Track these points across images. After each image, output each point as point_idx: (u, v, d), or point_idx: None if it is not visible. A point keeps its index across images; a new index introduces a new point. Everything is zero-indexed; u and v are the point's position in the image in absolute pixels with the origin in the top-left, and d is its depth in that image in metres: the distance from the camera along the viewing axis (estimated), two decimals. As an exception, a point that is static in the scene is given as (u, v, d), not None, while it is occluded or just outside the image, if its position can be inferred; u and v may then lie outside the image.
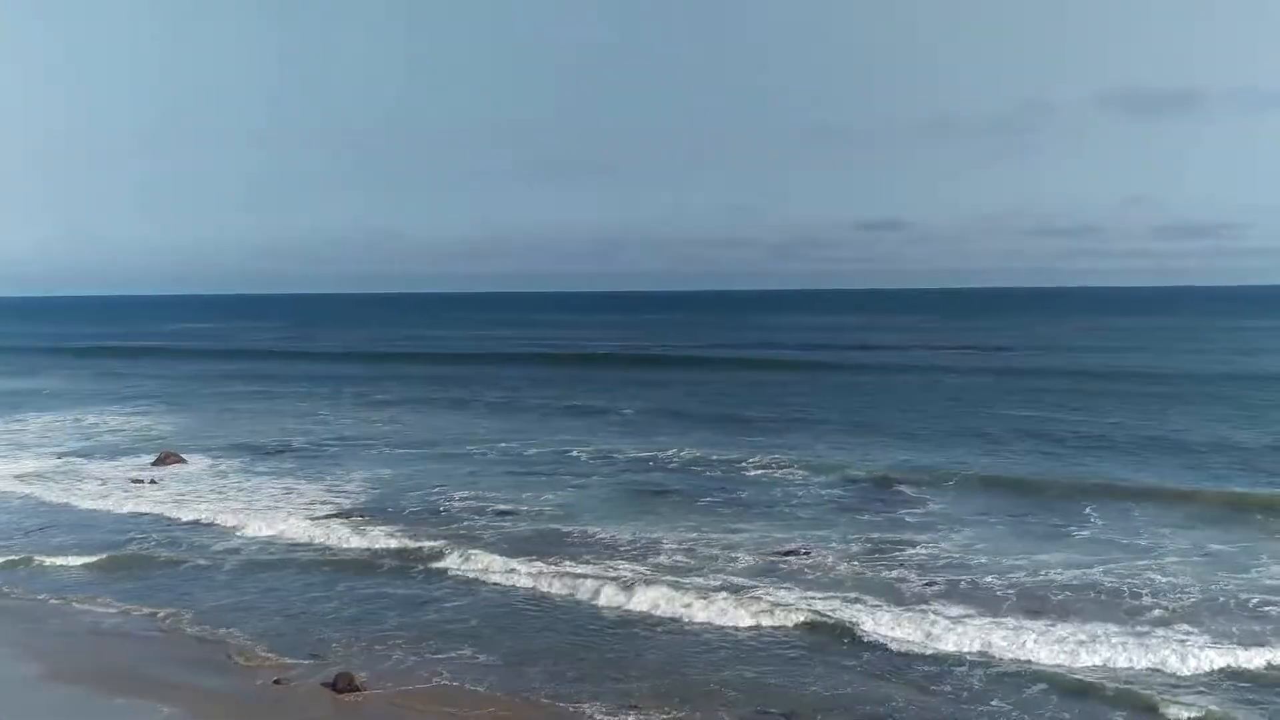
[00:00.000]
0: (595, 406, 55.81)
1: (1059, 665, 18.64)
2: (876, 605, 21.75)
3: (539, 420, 51.17)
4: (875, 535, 27.59)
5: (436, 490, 34.19)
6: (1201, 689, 17.58)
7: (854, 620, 20.83)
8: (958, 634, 19.92)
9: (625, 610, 22.11)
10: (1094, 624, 20.41)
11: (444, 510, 31.49)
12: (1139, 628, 20.22)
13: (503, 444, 43.08)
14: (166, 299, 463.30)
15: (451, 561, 25.58)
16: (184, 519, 30.96)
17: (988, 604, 21.85)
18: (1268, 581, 23.07)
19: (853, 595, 22.52)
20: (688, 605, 21.94)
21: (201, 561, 26.51)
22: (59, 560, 26.56)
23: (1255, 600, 21.75)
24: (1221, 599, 21.87)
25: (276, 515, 30.70)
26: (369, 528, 29.20)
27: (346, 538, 28.25)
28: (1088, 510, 29.98)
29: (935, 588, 22.98)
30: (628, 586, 23.02)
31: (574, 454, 40.54)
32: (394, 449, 42.62)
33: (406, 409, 56.25)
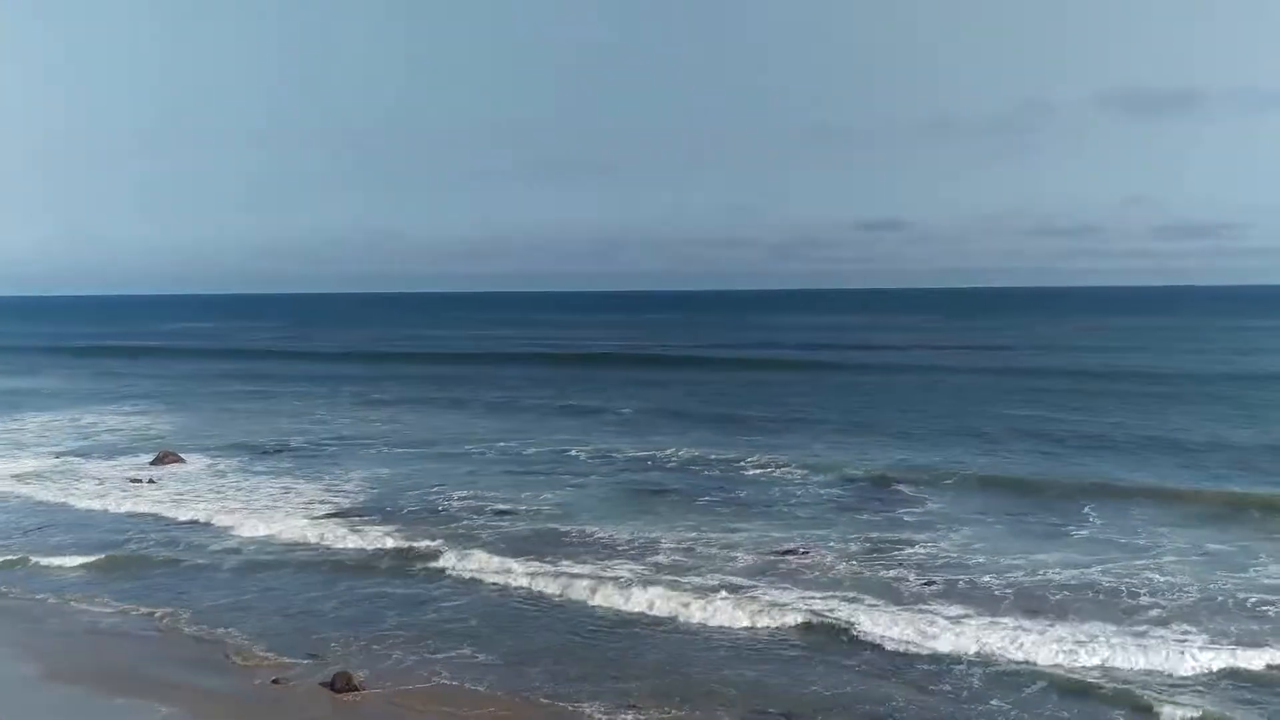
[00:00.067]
0: (594, 406, 55.80)
1: (1057, 665, 18.63)
2: (875, 605, 21.75)
3: (537, 420, 51.17)
4: (874, 535, 27.58)
5: (435, 490, 34.18)
6: (1199, 689, 17.58)
7: (853, 620, 20.82)
8: (956, 634, 19.91)
9: (624, 610, 22.10)
10: (1092, 623, 20.41)
11: (442, 510, 31.48)
12: (1137, 627, 20.22)
13: (501, 443, 43.07)
14: (166, 298, 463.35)
15: (450, 561, 25.57)
16: (182, 519, 30.95)
17: (986, 604, 21.84)
18: (1265, 581, 23.07)
19: (851, 595, 22.51)
20: (686, 605, 21.94)
21: (200, 561, 26.51)
22: (57, 560, 26.55)
23: (1253, 600, 21.75)
24: (1219, 598, 21.87)
25: (275, 515, 30.70)
26: (367, 527, 29.19)
27: (345, 537, 28.23)
28: (1086, 510, 29.98)
29: (934, 587, 22.98)
30: (626, 586, 23.01)
31: (572, 453, 40.54)
32: (393, 448, 42.61)
33: (405, 408, 56.25)
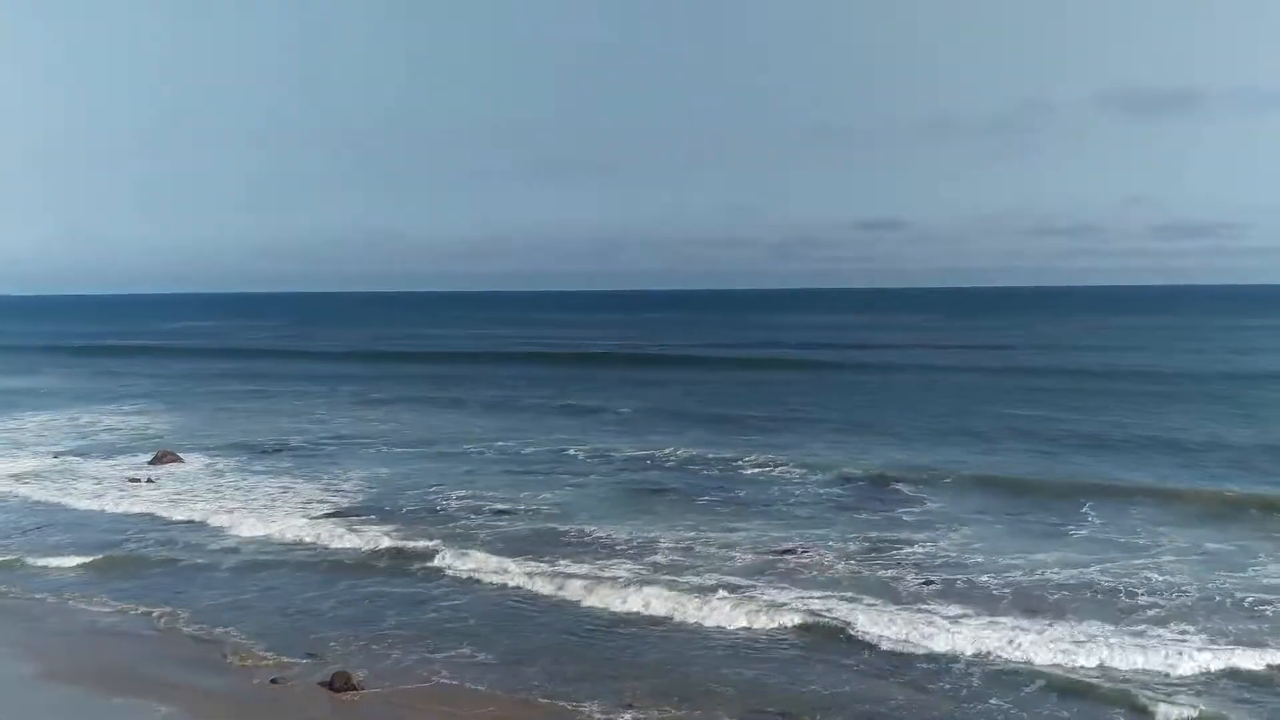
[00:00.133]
0: (593, 405, 55.79)
1: (1056, 665, 18.63)
2: (873, 604, 21.75)
3: (536, 419, 51.17)
4: (873, 534, 27.59)
5: (434, 489, 34.18)
6: (1198, 688, 17.58)
7: (851, 619, 20.82)
8: (955, 633, 19.91)
9: (622, 609, 22.09)
10: (1091, 623, 20.41)
11: (441, 509, 31.48)
12: (1135, 627, 20.23)
13: (500, 443, 43.07)
14: (167, 298, 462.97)
15: (449, 561, 25.56)
16: (181, 518, 30.94)
17: (985, 603, 21.85)
18: (1264, 581, 23.08)
19: (850, 594, 22.51)
20: (684, 604, 21.93)
21: (198, 560, 26.50)
22: (55, 559, 26.54)
23: (1251, 599, 21.76)
24: (1218, 598, 21.88)
25: (273, 514, 30.70)
26: (366, 527, 29.19)
27: (343, 537, 28.22)
28: (1085, 509, 29.98)
29: (932, 587, 22.98)
30: (625, 586, 23.02)
31: (571, 453, 40.54)
32: (391, 448, 42.61)
33: (404, 408, 56.25)
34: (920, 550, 26.03)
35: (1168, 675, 18.11)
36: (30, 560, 26.57)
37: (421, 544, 27.03)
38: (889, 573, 24.13)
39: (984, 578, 23.58)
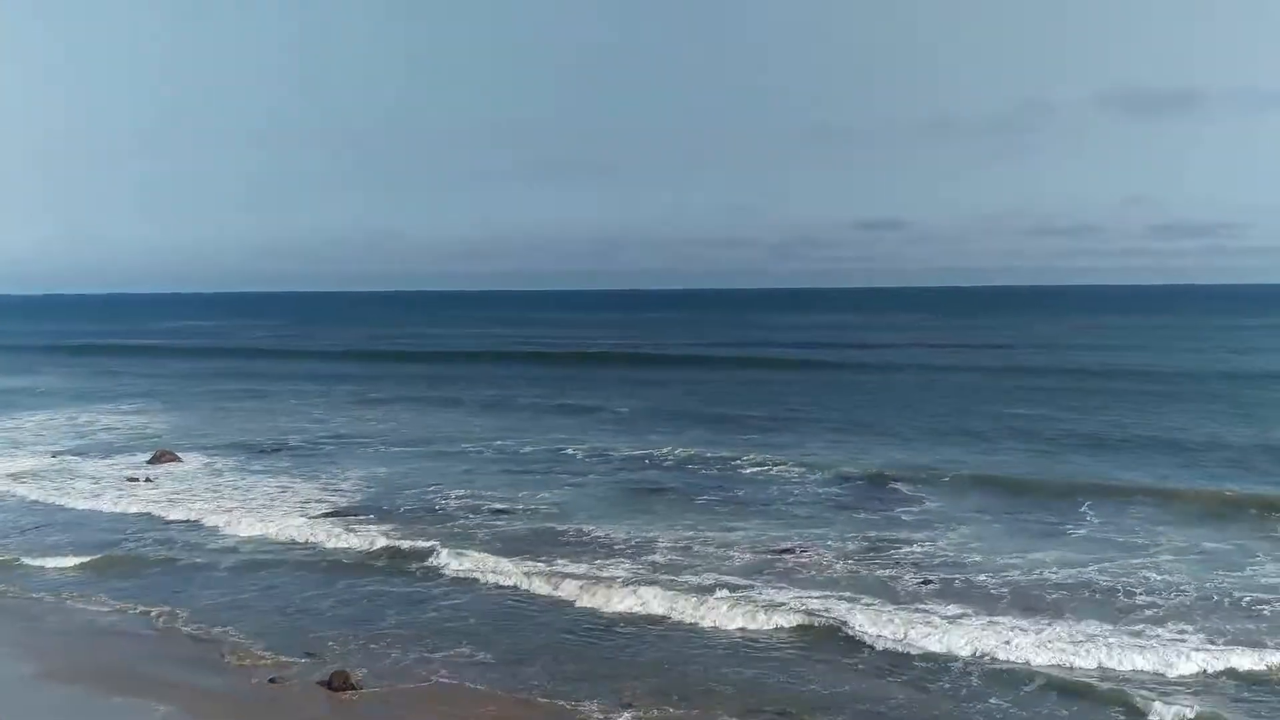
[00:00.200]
0: (591, 405, 55.79)
1: (1054, 664, 18.63)
2: (872, 604, 21.76)
3: (534, 419, 51.17)
4: (871, 533, 27.60)
5: (432, 488, 34.18)
6: (1196, 688, 17.59)
7: (849, 619, 20.82)
8: (953, 633, 19.91)
9: (621, 609, 22.09)
10: (1089, 622, 20.42)
11: (440, 508, 31.48)
12: (1134, 626, 20.24)
13: (498, 442, 43.07)
14: (167, 297, 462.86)
15: (447, 560, 25.56)
16: (179, 518, 30.93)
17: (983, 603, 21.86)
18: (1262, 580, 23.10)
19: (848, 594, 22.52)
20: (683, 604, 21.93)
21: (197, 560, 26.50)
22: (54, 559, 26.54)
23: (1249, 599, 21.77)
24: (1216, 598, 21.89)
25: (272, 514, 30.69)
26: (364, 526, 29.19)
27: (342, 536, 28.21)
28: (1083, 509, 29.99)
29: (931, 586, 22.99)
30: (624, 585, 23.02)
31: (569, 452, 40.53)
32: (390, 447, 42.61)
33: (402, 407, 56.25)
34: (919, 550, 26.04)
35: (1166, 675, 18.12)
36: (28, 560, 26.56)
37: (420, 543, 27.03)
38: (887, 572, 24.14)
39: (982, 577, 23.59)
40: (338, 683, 18.02)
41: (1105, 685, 17.64)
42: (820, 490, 33.35)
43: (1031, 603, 21.80)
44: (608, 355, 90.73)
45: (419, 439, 44.47)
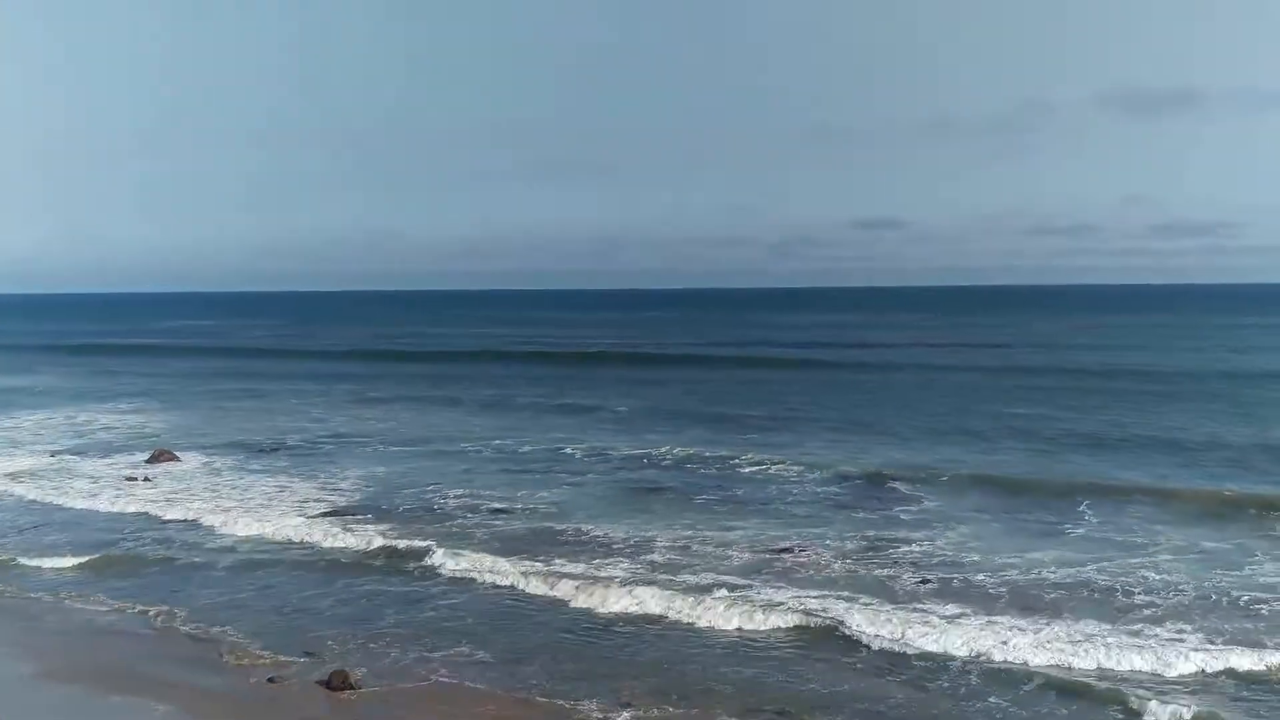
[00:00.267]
0: (590, 404, 55.79)
1: (1052, 664, 18.63)
2: (870, 603, 21.76)
3: (533, 418, 51.17)
4: (870, 533, 27.60)
5: (431, 488, 34.17)
6: (1194, 687, 17.60)
7: (848, 618, 20.82)
8: (951, 632, 19.92)
9: (620, 608, 22.08)
10: (1088, 622, 20.43)
11: (438, 508, 31.47)
12: (1132, 626, 20.24)
13: (497, 441, 43.07)
14: (168, 296, 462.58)
15: (446, 560, 25.55)
16: (177, 517, 30.91)
17: (982, 602, 21.87)
18: (1261, 580, 23.11)
19: (847, 593, 22.52)
20: (682, 603, 21.93)
21: (195, 559, 26.49)
22: (52, 558, 26.53)
23: (1248, 598, 21.78)
24: (1215, 597, 21.90)
25: (270, 513, 30.68)
26: (363, 526, 29.19)
27: (340, 536, 28.20)
28: (1082, 508, 30.00)
29: (929, 585, 22.99)
30: (622, 585, 23.01)
31: (568, 451, 40.53)
32: (389, 446, 42.60)
33: (401, 406, 56.24)
34: (917, 549, 26.05)
35: (1164, 674, 18.13)
36: (27, 559, 26.55)
37: (419, 543, 27.02)
38: (886, 571, 24.14)
39: (981, 576, 23.60)
40: (336, 682, 18.01)
41: (1103, 685, 17.64)
42: (819, 490, 33.36)
43: (1030, 602, 21.80)
44: (607, 355, 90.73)
45: (418, 438, 44.46)
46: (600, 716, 16.90)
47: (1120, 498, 31.05)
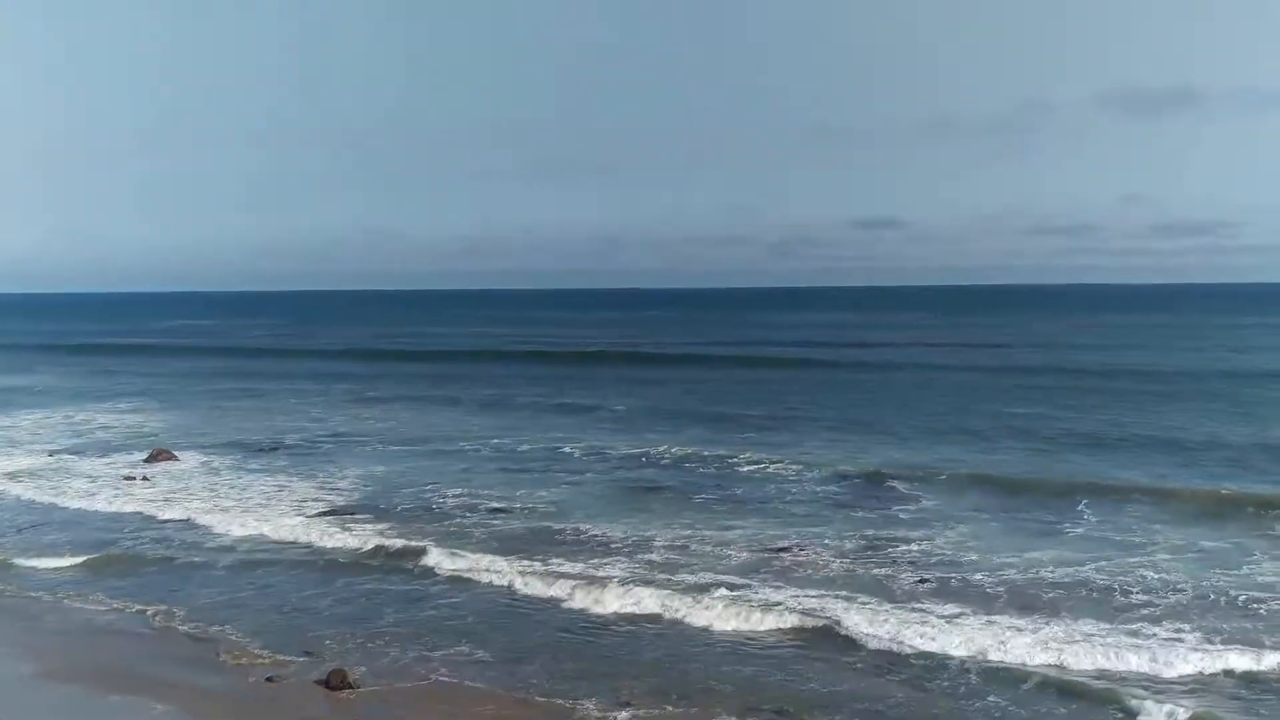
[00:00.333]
0: (589, 404, 55.79)
1: (1050, 663, 18.63)
2: (869, 602, 21.77)
3: (532, 417, 51.17)
4: (869, 532, 27.61)
5: (430, 487, 34.17)
6: (1192, 687, 17.61)
7: (847, 618, 20.82)
8: (950, 632, 19.93)
9: (619, 608, 22.08)
10: (1086, 621, 20.43)
11: (437, 507, 31.47)
12: (1131, 625, 20.25)
13: (495, 440, 43.06)
14: (167, 296, 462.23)
15: (445, 559, 25.55)
16: (176, 516, 30.89)
17: (980, 602, 21.87)
18: (1259, 579, 23.12)
19: (845, 592, 22.52)
20: (681, 603, 21.92)
21: (194, 559, 26.49)
22: (51, 558, 26.52)
23: (1246, 598, 21.79)
24: (1213, 596, 21.91)
25: (269, 512, 30.68)
26: (362, 525, 29.19)
27: (339, 535, 28.20)
28: (1081, 508, 30.00)
29: (928, 585, 23.00)
30: (621, 584, 23.01)
31: (567, 451, 40.53)
32: (387, 446, 42.60)
33: (400, 406, 56.23)
34: (916, 548, 26.05)
35: (1162, 674, 18.13)
36: (25, 559, 26.54)
37: (417, 542, 27.02)
38: (885, 571, 24.15)
39: (979, 576, 23.61)
40: (335, 681, 18.01)
41: (1102, 684, 17.65)
42: (817, 489, 33.36)
43: (1028, 602, 21.81)
44: (606, 354, 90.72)
45: (417, 438, 44.45)
46: (599, 716, 16.90)
47: (1119, 497, 31.05)
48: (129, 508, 32.12)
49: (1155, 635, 19.64)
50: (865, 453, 39.15)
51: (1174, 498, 30.81)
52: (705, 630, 20.85)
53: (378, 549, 26.87)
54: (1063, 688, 17.57)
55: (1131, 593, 22.23)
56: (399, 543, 27.16)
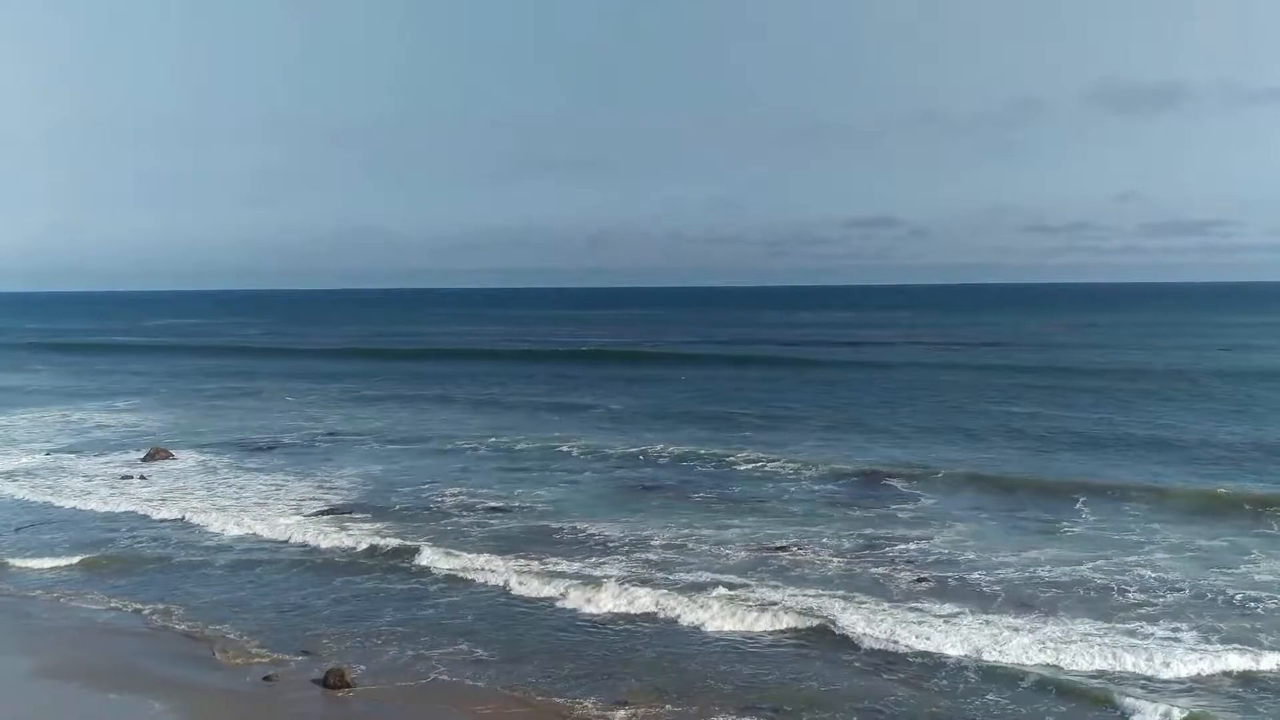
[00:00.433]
0: (585, 402, 55.79)
1: (1047, 663, 18.66)
2: (866, 601, 21.79)
3: (529, 416, 51.16)
4: (866, 531, 27.63)
5: (427, 486, 34.16)
6: (1190, 685, 17.65)
7: (844, 617, 20.83)
8: (947, 631, 19.95)
9: (616, 607, 22.08)
10: (1083, 621, 20.47)
11: (435, 506, 31.46)
12: (1128, 624, 20.29)
13: (492, 439, 43.04)
14: (166, 295, 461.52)
15: (443, 558, 25.54)
16: (173, 515, 30.87)
17: (977, 601, 21.90)
18: (1256, 578, 23.18)
19: (843, 591, 22.55)
20: (679, 602, 21.93)
21: (191, 558, 26.47)
22: (48, 557, 26.50)
23: (1242, 597, 21.84)
24: (1210, 595, 21.96)
25: (266, 511, 30.65)
26: (359, 524, 29.17)
27: (337, 534, 28.18)
28: (1078, 506, 30.05)
29: (925, 584, 23.03)
30: (619, 583, 23.02)
31: (564, 450, 40.52)
32: (384, 445, 42.57)
33: (397, 405, 56.20)
34: (913, 547, 26.08)
35: (1159, 673, 18.15)
36: (23, 558, 26.52)
37: (415, 541, 27.01)
38: (882, 570, 24.18)
39: (976, 575, 23.64)
40: (333, 680, 18.01)
41: (1099, 684, 17.68)
42: (814, 488, 33.38)
43: (1026, 601, 21.84)
44: (603, 353, 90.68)
45: (413, 436, 44.43)
46: (597, 714, 16.91)
47: (1116, 496, 31.09)
48: (126, 507, 32.09)
49: (1152, 635, 19.69)
50: (862, 452, 39.18)
51: (1171, 497, 30.86)
52: (702, 629, 20.86)
53: (375, 548, 26.86)
54: (1060, 687, 17.60)
55: (1129, 592, 22.27)
56: (396, 542, 27.15)
